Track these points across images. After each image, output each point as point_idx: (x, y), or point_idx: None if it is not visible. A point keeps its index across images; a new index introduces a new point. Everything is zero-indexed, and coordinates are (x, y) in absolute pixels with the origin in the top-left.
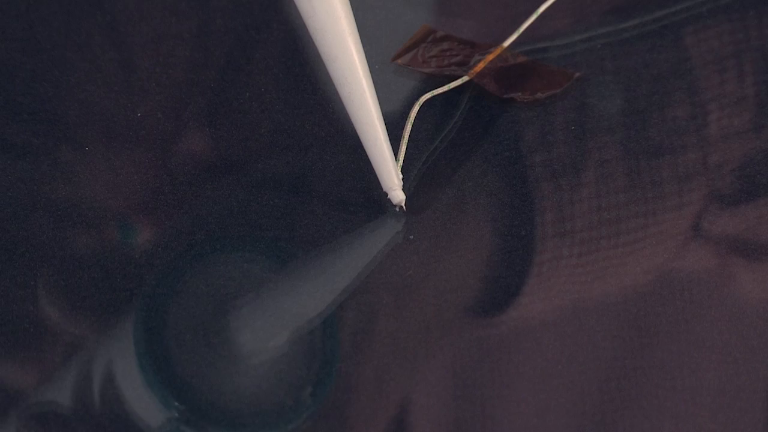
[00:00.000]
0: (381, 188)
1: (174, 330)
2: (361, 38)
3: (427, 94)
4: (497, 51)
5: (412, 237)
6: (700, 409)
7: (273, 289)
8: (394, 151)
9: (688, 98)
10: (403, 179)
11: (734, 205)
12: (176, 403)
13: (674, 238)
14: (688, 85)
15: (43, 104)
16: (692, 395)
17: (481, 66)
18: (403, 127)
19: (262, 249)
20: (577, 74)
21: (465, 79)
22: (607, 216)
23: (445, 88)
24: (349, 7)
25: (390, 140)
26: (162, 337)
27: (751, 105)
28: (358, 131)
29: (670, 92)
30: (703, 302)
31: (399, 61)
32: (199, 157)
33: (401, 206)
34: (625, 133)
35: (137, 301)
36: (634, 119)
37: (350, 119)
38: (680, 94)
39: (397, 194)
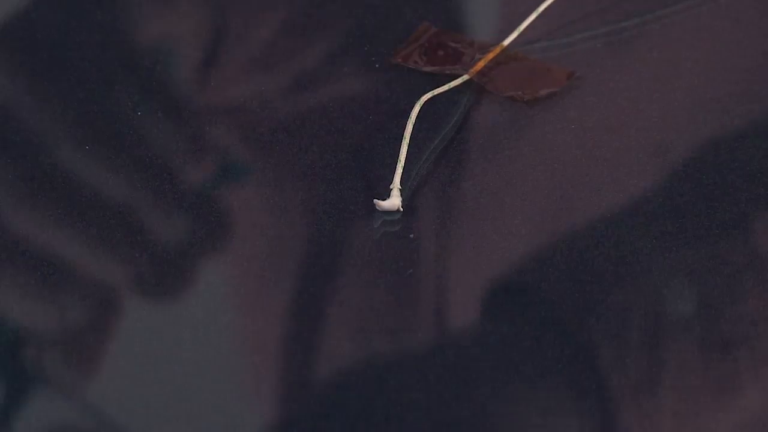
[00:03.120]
0: (381, 188)
1: (173, 329)
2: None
3: (428, 94)
4: (497, 50)
5: (412, 236)
6: (700, 408)
7: (272, 288)
8: (394, 152)
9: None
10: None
11: None
12: (175, 404)
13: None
14: (688, 82)
15: (43, 104)
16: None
17: (481, 65)
18: (403, 127)
19: (261, 247)
20: (577, 73)
21: (465, 78)
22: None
23: (445, 87)
24: None
25: (390, 140)
26: (161, 336)
27: None
28: None
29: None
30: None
31: (399, 60)
32: (199, 156)
33: (399, 208)
34: (625, 131)
35: (136, 300)
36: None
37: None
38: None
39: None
